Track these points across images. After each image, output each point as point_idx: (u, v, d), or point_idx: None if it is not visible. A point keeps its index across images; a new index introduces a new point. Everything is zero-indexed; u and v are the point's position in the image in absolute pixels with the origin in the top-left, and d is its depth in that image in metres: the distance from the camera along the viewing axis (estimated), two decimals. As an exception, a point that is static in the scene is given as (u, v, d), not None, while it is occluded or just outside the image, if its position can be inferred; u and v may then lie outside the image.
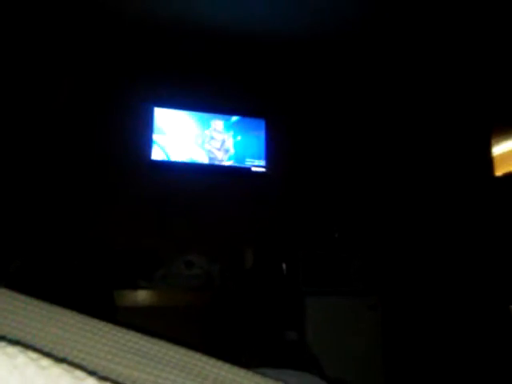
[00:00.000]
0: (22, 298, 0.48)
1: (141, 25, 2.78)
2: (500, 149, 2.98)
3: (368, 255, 2.96)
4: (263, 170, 3.26)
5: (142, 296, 2.52)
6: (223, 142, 3.22)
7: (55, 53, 3.02)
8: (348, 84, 3.55)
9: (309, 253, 2.81)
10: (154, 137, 3.06)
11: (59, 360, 0.31)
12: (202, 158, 3.16)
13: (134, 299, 2.48)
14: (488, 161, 2.98)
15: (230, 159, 3.22)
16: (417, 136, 3.39)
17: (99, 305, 1.25)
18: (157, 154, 3.06)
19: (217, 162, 3.20)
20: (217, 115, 3.24)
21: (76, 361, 0.36)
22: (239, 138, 3.25)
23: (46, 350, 0.34)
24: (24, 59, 2.95)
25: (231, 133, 3.24)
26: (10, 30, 2.79)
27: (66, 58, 3.04)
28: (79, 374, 0.31)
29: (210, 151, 3.18)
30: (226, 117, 3.26)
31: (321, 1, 2.54)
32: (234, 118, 3.27)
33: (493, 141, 2.99)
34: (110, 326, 0.41)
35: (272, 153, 3.31)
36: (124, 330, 0.41)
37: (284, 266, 2.86)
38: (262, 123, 3.31)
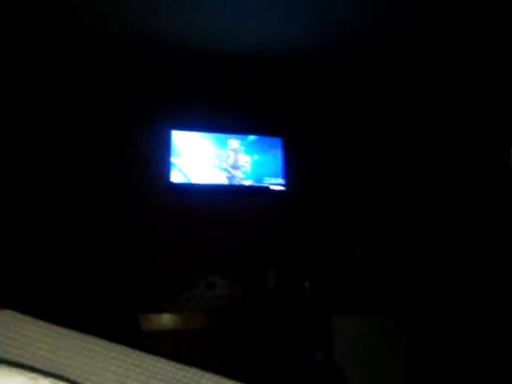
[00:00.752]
0: (49, 326, 0.48)
1: (158, 49, 2.86)
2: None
3: (392, 271, 2.89)
4: (282, 188, 3.26)
5: (167, 319, 2.51)
6: (241, 161, 3.24)
7: (80, 80, 3.11)
8: (366, 101, 3.55)
9: (331, 270, 2.77)
10: (173, 159, 3.10)
11: None
12: (221, 179, 3.18)
13: (159, 323, 2.47)
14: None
15: (248, 179, 3.23)
16: (437, 151, 3.35)
17: (125, 329, 1.25)
18: (176, 177, 3.09)
19: (235, 182, 3.21)
20: (234, 135, 3.26)
21: None
22: (256, 157, 3.27)
23: (77, 379, 0.34)
24: (55, 88, 3.06)
25: (249, 152, 3.26)
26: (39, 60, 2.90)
27: (88, 84, 3.13)
28: None
29: (228, 171, 3.20)
30: (243, 136, 3.28)
31: (335, 21, 2.57)
32: (251, 138, 3.30)
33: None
34: (140, 353, 0.41)
35: (290, 171, 3.31)
36: (155, 357, 0.41)
37: (307, 284, 2.82)
38: (278, 142, 3.32)
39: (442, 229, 3.21)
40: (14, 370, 0.31)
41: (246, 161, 3.25)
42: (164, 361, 0.41)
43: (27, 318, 0.49)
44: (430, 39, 2.79)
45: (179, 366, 0.41)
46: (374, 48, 2.88)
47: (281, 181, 3.27)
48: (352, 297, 2.73)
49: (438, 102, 3.44)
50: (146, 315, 2.40)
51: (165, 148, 3.12)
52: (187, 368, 0.41)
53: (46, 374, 0.31)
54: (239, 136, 3.27)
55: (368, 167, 3.47)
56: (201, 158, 3.17)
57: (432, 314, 2.95)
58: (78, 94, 3.12)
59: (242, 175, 3.22)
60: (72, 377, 0.33)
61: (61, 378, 0.31)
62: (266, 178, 3.25)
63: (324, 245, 3.17)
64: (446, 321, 2.91)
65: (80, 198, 2.98)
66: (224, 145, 3.23)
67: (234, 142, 3.25)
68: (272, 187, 3.25)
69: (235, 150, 3.25)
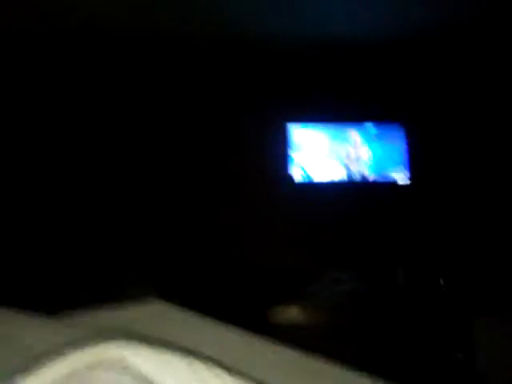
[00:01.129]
0: (195, 316, 0.54)
1: (273, 44, 2.92)
2: None
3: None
4: (407, 181, 3.06)
5: (294, 313, 2.57)
6: (362, 155, 3.13)
7: (202, 77, 3.33)
8: (498, 79, 3.14)
9: (472, 264, 2.51)
10: (293, 156, 3.12)
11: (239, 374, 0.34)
12: (342, 175, 3.11)
13: (286, 316, 2.54)
14: None
15: (370, 173, 3.11)
16: None
17: (254, 322, 1.32)
18: (296, 173, 3.11)
19: (357, 177, 3.11)
20: (353, 126, 3.15)
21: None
22: (379, 149, 3.12)
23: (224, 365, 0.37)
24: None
25: (370, 144, 3.13)
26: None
27: (211, 80, 3.32)
28: None
29: (348, 166, 3.12)
30: (363, 128, 3.14)
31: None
32: (372, 129, 3.15)
33: None
34: (274, 343, 0.44)
35: (416, 162, 3.09)
36: (285, 348, 0.43)
37: (442, 281, 2.62)
38: (401, 131, 3.13)
39: None
40: (170, 354, 0.35)
41: (367, 154, 3.13)
42: (292, 352, 0.43)
43: (176, 308, 0.56)
44: None
45: (306, 355, 0.43)
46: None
47: (406, 173, 3.07)
48: (495, 294, 2.45)
49: None
50: (274, 308, 2.49)
51: (283, 143, 3.15)
52: (312, 358, 0.43)
53: (199, 359, 0.35)
54: (359, 127, 3.15)
55: (501, 154, 3.06)
56: (321, 154, 3.14)
57: None
58: (201, 90, 3.31)
59: (363, 169, 3.11)
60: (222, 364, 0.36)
61: (212, 364, 0.35)
62: (390, 172, 3.09)
63: (458, 239, 2.90)
64: None
65: (210, 194, 3.20)
66: (343, 138, 3.15)
67: (354, 134, 3.15)
68: (398, 181, 3.08)
69: (355, 143, 3.15)
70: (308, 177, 3.12)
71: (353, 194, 3.12)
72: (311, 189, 3.15)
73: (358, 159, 3.13)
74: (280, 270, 2.81)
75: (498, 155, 3.07)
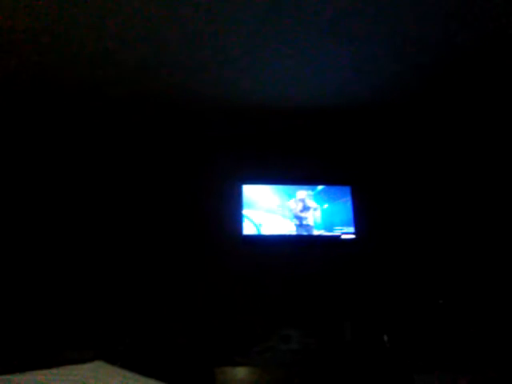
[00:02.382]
0: (135, 376, 0.54)
1: (226, 109, 3.05)
2: None
3: (482, 323, 2.66)
4: (353, 236, 3.20)
5: (241, 373, 2.50)
6: (311, 211, 3.26)
7: (160, 141, 3.41)
8: (435, 145, 3.46)
9: (413, 323, 2.61)
10: (245, 212, 3.21)
11: None
12: (292, 229, 3.21)
13: (233, 376, 2.47)
14: None
15: (318, 228, 3.23)
16: (503, 188, 3.13)
17: (201, 382, 1.28)
18: (248, 229, 3.18)
19: (306, 232, 3.22)
20: (303, 186, 3.32)
21: None
22: (326, 206, 3.28)
23: None
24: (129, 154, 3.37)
25: (318, 202, 3.28)
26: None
27: (166, 144, 3.42)
28: None
29: (298, 222, 3.23)
30: (312, 186, 3.33)
31: (396, 67, 2.60)
32: (320, 187, 3.33)
33: None
34: None
35: (361, 219, 3.26)
36: None
37: (386, 338, 2.68)
38: (347, 190, 3.32)
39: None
40: None
41: (315, 211, 3.27)
42: None
43: (116, 369, 0.55)
44: (487, 82, 2.70)
45: None
46: (438, 92, 2.84)
47: (352, 229, 3.22)
48: (437, 352, 2.53)
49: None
50: (221, 368, 2.42)
51: (237, 201, 3.25)
52: None
53: None
54: (308, 186, 3.33)
55: (441, 212, 3.32)
56: (271, 210, 3.25)
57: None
58: (159, 155, 3.41)
59: (312, 225, 3.23)
60: None
61: None
62: (336, 227, 3.23)
63: (402, 295, 3.02)
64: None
65: (157, 251, 3.15)
66: (293, 196, 3.30)
67: (303, 192, 3.31)
68: (343, 236, 3.21)
69: (305, 201, 3.29)
70: (259, 233, 3.18)
71: (302, 249, 3.20)
72: (262, 245, 3.19)
73: (307, 216, 3.25)
74: (228, 329, 2.76)
75: (435, 217, 3.30)
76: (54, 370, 0.54)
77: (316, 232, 3.23)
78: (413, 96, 2.92)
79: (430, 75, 2.68)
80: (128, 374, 0.53)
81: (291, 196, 3.30)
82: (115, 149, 3.41)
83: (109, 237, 3.17)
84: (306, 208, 3.28)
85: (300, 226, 3.23)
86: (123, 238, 3.18)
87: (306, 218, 3.26)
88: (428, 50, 2.44)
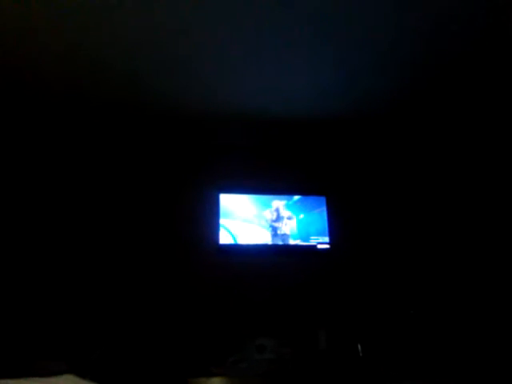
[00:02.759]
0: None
1: (203, 118, 3.07)
2: None
3: (453, 333, 2.73)
4: (328, 246, 3.24)
5: (216, 383, 2.49)
6: (286, 221, 3.30)
7: (138, 152, 3.39)
8: (408, 157, 3.56)
9: (385, 332, 2.66)
10: (221, 221, 3.21)
11: None
12: (267, 239, 3.23)
13: (208, 387, 2.45)
14: None
15: (294, 238, 3.26)
16: (477, 207, 3.25)
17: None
18: (224, 238, 3.18)
19: (282, 242, 3.24)
20: (278, 196, 3.35)
21: None
22: (302, 216, 3.31)
23: None
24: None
25: (294, 212, 3.32)
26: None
27: (145, 155, 3.40)
28: None
29: (274, 231, 3.26)
30: (288, 197, 3.36)
31: (374, 82, 2.67)
32: (296, 197, 3.37)
33: None
34: None
35: (335, 229, 3.31)
36: None
37: (360, 347, 2.72)
38: (323, 200, 3.37)
39: (504, 286, 3.02)
40: None
41: (291, 220, 3.30)
42: None
43: (86, 383, 0.55)
44: (455, 95, 2.81)
45: None
46: (412, 107, 2.93)
47: (327, 239, 3.27)
48: (408, 361, 2.58)
49: (476, 157, 3.38)
50: (195, 379, 2.40)
51: (214, 210, 3.25)
52: None
53: None
54: (284, 196, 3.36)
55: (415, 223, 3.40)
56: (247, 220, 3.27)
57: (502, 376, 2.71)
58: (136, 162, 3.38)
59: (288, 234, 3.26)
60: None
61: None
62: (312, 237, 3.27)
63: (375, 305, 3.07)
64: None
65: (131, 259, 3.12)
66: (269, 205, 3.32)
67: (278, 202, 3.34)
68: (319, 246, 3.25)
69: (279, 210, 3.32)
70: (235, 242, 3.19)
71: (277, 258, 3.21)
72: (237, 254, 3.19)
73: (283, 226, 3.28)
74: (202, 339, 2.74)
75: (407, 228, 3.38)
76: (23, 381, 0.54)
77: (292, 242, 3.25)
78: (389, 108, 2.99)
79: (405, 89, 2.76)
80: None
81: (267, 206, 3.32)
82: (94, 154, 3.36)
83: (82, 243, 3.11)
84: (281, 218, 3.31)
85: (276, 235, 3.26)
86: (95, 245, 3.12)
87: (281, 228, 3.28)
88: (405, 64, 2.52)
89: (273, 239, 3.24)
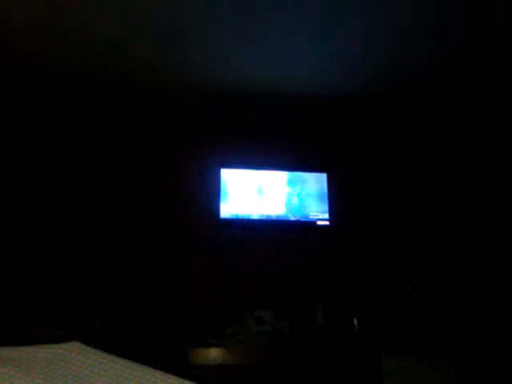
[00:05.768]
0: (110, 357, 0.54)
1: (205, 93, 3.02)
2: None
3: (447, 309, 2.77)
4: (327, 223, 3.25)
5: (214, 354, 2.53)
6: (288, 197, 3.29)
7: (140, 126, 3.35)
8: (410, 134, 3.53)
9: (382, 307, 2.69)
10: (222, 195, 3.20)
11: None
12: (268, 214, 3.23)
13: (206, 357, 2.50)
14: None
15: (294, 214, 3.26)
16: (479, 183, 3.24)
17: (174, 363, 1.29)
18: (225, 212, 3.18)
19: (282, 217, 3.24)
20: (279, 172, 3.33)
21: None
22: (304, 192, 3.30)
23: None
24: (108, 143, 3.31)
25: (294, 187, 3.31)
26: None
27: (148, 129, 3.36)
28: None
29: (274, 207, 3.25)
30: (289, 173, 3.34)
31: (378, 60, 2.62)
32: (297, 173, 3.34)
33: None
34: None
35: (335, 206, 3.31)
36: None
37: (356, 321, 2.76)
38: (324, 177, 3.35)
39: (499, 265, 3.05)
40: None
41: (293, 196, 3.29)
42: None
43: (92, 350, 0.56)
44: (474, 75, 2.76)
45: None
46: (411, 84, 2.89)
47: (326, 216, 3.27)
48: (404, 336, 2.63)
49: (481, 135, 3.35)
50: (194, 349, 2.45)
51: (215, 184, 3.23)
52: None
53: None
54: (285, 172, 3.34)
55: (415, 200, 3.40)
56: (249, 195, 3.26)
57: (493, 353, 2.77)
58: (137, 136, 3.35)
59: (289, 210, 3.26)
60: None
61: None
62: (311, 213, 3.27)
63: (373, 281, 3.10)
64: (508, 361, 2.72)
65: (132, 233, 3.13)
66: (270, 181, 3.30)
67: (280, 178, 3.32)
68: (318, 222, 3.25)
69: (281, 186, 3.30)
70: (236, 216, 3.19)
71: (277, 234, 3.23)
72: (238, 228, 3.20)
73: (283, 201, 3.28)
74: (201, 311, 2.78)
75: (407, 206, 3.38)
76: (29, 349, 0.54)
77: (292, 218, 3.26)
78: (392, 87, 2.95)
79: (415, 67, 2.71)
80: (104, 355, 0.53)
81: (269, 182, 3.31)
82: (94, 129, 3.33)
83: (82, 218, 3.12)
84: (281, 194, 3.30)
85: (277, 211, 3.25)
86: (97, 219, 3.13)
87: (281, 204, 3.28)
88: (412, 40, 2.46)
89: (273, 214, 3.24)
